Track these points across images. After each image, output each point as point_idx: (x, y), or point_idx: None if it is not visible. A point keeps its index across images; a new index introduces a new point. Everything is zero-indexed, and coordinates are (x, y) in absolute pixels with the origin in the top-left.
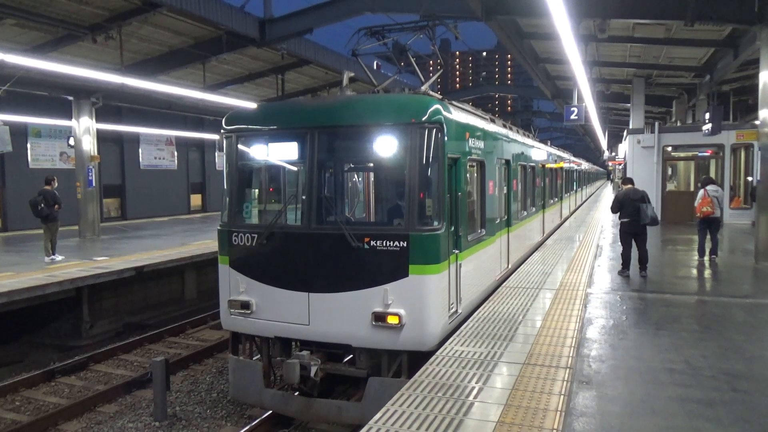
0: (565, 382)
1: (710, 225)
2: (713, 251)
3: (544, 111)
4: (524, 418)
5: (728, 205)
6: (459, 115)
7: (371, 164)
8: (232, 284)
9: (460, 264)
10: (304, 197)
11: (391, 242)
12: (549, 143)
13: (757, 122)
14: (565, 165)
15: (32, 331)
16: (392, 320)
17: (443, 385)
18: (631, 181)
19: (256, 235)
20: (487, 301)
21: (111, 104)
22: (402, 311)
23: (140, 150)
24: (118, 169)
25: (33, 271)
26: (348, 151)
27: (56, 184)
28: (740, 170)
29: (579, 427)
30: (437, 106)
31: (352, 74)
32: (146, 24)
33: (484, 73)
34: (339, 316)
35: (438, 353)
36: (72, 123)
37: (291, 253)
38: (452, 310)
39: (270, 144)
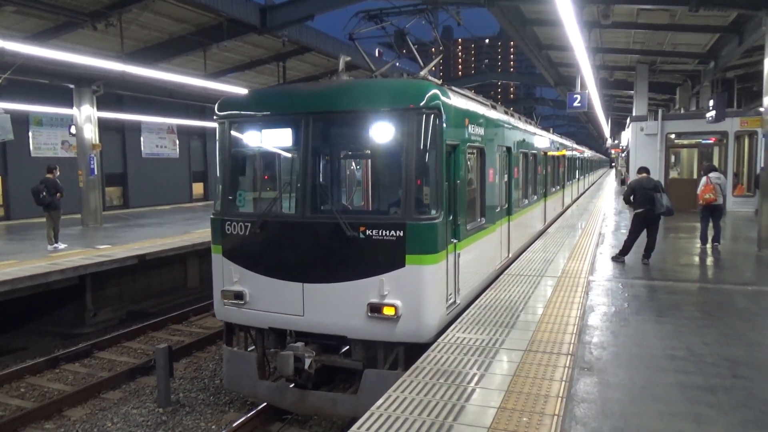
0: (566, 369)
1: (713, 212)
2: (716, 239)
3: (546, 98)
4: (525, 404)
5: (731, 193)
6: (458, 100)
7: (367, 151)
8: (226, 274)
9: (459, 254)
10: (298, 185)
11: (388, 231)
12: (551, 131)
13: (761, 109)
14: (568, 153)
15: (36, 319)
16: (388, 311)
17: (444, 372)
18: (646, 170)
19: (249, 224)
20: (488, 289)
21: (112, 92)
22: (398, 302)
23: (142, 138)
24: (119, 157)
25: (36, 259)
26: (343, 138)
27: (58, 173)
28: (744, 158)
29: (580, 412)
30: (435, 91)
31: (348, 59)
32: (146, 11)
33: (486, 61)
34: (334, 307)
35: (439, 340)
36: (73, 111)
37: (285, 243)
38: (450, 301)
39: (264, 130)
